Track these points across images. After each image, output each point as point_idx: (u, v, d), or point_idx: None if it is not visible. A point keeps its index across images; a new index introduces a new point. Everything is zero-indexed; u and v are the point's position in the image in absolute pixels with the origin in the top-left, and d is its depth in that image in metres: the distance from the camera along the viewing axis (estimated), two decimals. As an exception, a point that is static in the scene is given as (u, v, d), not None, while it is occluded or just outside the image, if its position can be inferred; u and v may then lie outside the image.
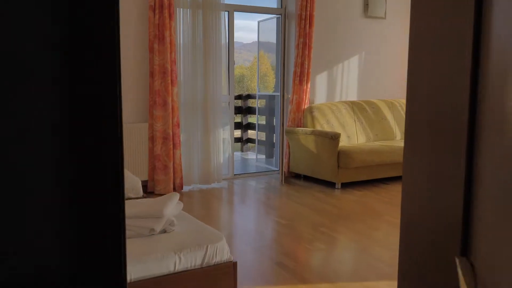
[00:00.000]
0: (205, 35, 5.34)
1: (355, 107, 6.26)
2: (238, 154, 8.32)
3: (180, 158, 5.29)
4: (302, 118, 5.99)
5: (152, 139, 5.16)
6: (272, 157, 7.61)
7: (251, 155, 8.20)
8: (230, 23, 5.79)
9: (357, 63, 6.55)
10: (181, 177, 5.33)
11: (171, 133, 5.13)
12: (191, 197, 5.11)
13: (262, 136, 7.97)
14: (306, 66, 5.92)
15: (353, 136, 6.09)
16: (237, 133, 8.49)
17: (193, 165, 5.47)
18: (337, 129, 5.97)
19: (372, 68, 6.69)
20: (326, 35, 6.27)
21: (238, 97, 8.38)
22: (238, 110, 8.38)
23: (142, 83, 5.15)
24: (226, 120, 5.68)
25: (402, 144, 5.87)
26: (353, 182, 5.65)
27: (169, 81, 5.07)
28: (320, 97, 6.31)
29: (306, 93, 5.99)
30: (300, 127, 5.99)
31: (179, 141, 5.24)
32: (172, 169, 5.18)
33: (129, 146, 5.05)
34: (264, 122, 7.87)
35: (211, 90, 5.43)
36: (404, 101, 6.74)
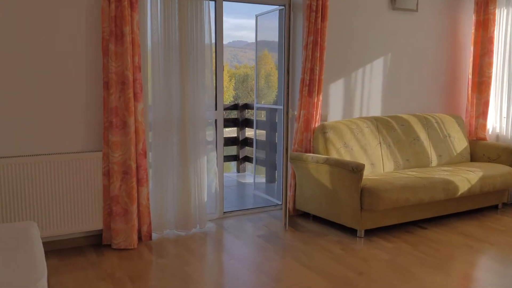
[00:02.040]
0: (182, 32, 3.96)
1: (380, 125, 4.85)
2: (233, 175, 6.94)
3: (148, 198, 3.91)
4: (311, 140, 4.60)
5: (107, 174, 3.79)
6: (274, 181, 6.23)
7: (249, 177, 6.81)
8: (218, 16, 4.41)
9: (381, 67, 5.15)
10: (149, 224, 3.95)
11: (134, 165, 3.76)
12: (161, 252, 3.74)
13: (262, 154, 6.59)
14: (317, 72, 4.53)
15: (378, 163, 4.69)
16: (233, 150, 7.12)
17: (166, 207, 4.09)
18: (357, 154, 4.57)
19: (400, 73, 5.28)
20: (342, 32, 4.87)
21: (234, 107, 7.01)
22: (234, 123, 7.01)
23: (93, 98, 3.78)
24: (212, 144, 4.31)
25: (442, 173, 4.47)
26: (380, 228, 4.25)
27: (131, 94, 3.69)
28: (335, 113, 4.91)
29: (317, 107, 4.60)
30: (310, 152, 4.60)
31: (146, 175, 3.86)
32: (136, 214, 3.80)
33: (75, 183, 3.68)
34: (263, 138, 6.50)
35: (191, 105, 4.06)
36: (443, 116, 5.35)
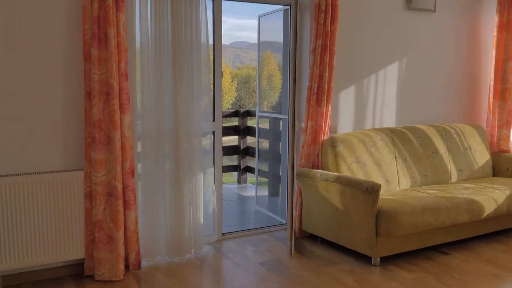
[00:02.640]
0: (175, 34, 3.52)
1: (396, 137, 4.40)
2: (234, 187, 6.49)
3: (136, 223, 3.46)
4: (320, 153, 4.15)
5: (89, 196, 3.34)
6: (278, 195, 5.78)
7: (250, 189, 6.36)
8: (217, 15, 3.96)
9: (396, 73, 4.70)
10: (138, 251, 3.50)
11: (119, 186, 3.31)
12: (150, 283, 3.29)
13: (264, 165, 6.14)
14: (327, 79, 4.08)
15: (394, 180, 4.23)
16: (233, 159, 6.67)
17: (157, 230, 3.64)
18: (371, 170, 4.11)
19: (417, 79, 4.83)
20: (354, 35, 4.42)
21: (235, 114, 6.56)
22: (235, 131, 6.56)
23: (73, 110, 3.34)
24: (209, 159, 3.86)
25: (465, 192, 4.02)
26: (396, 255, 3.80)
27: (116, 106, 3.25)
28: (345, 124, 4.46)
29: (325, 118, 4.15)
30: (318, 167, 4.15)
31: (134, 197, 3.42)
32: (122, 241, 3.36)
33: (53, 207, 3.24)
34: (267, 147, 6.05)
35: (185, 115, 3.62)
36: (463, 126, 4.88)
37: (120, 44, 3.25)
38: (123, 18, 3.25)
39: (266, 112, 5.59)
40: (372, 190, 3.48)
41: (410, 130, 4.53)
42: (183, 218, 3.67)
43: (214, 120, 4.06)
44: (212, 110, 4.01)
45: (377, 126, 4.62)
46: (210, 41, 3.83)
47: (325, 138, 4.19)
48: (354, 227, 3.65)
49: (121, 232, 3.34)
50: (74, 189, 3.29)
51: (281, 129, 5.36)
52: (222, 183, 4.26)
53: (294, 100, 3.69)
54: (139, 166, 3.57)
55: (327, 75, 4.10)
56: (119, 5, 3.21)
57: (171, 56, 3.52)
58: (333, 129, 4.37)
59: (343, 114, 4.44)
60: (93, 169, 3.26)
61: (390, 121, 4.70)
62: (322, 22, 4.03)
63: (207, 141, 3.85)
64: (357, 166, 4.07)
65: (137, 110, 3.49)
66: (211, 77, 3.89)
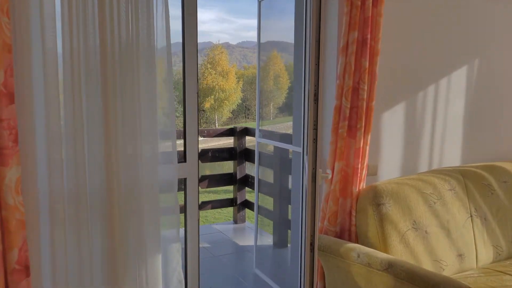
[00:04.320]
0: (105, 34, 2.01)
1: (470, 183, 2.84)
2: (228, 229, 4.96)
3: None
4: (354, 212, 2.61)
5: None
6: (285, 245, 4.27)
7: (249, 233, 4.83)
8: (188, 7, 2.43)
9: (463, 83, 3.15)
10: None
11: (-4, 298, 1.80)
12: None
13: (268, 201, 4.63)
14: (365, 95, 2.56)
15: (469, 252, 2.68)
16: (228, 191, 5.17)
17: None
18: (436, 241, 2.57)
19: (494, 93, 3.27)
20: (404, 26, 2.88)
21: (230, 132, 5.05)
22: (229, 154, 5.04)
23: None
24: (172, 222, 2.34)
25: None
26: None
27: (-14, 152, 1.73)
28: (390, 163, 2.92)
29: (363, 155, 2.62)
30: (350, 235, 2.62)
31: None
32: None
33: None
34: (271, 179, 4.55)
35: (126, 160, 2.12)
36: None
37: (4, 45, 1.74)
38: (4, 5, 1.73)
39: (269, 138, 4.07)
40: (455, 298, 1.94)
41: (489, 170, 2.97)
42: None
43: (185, 161, 2.53)
44: (182, 140, 2.50)
45: (437, 165, 3.07)
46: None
47: (361, 186, 2.66)
48: None
49: None
50: None
51: (291, 156, 3.86)
52: (198, 245, 2.72)
53: (315, 136, 2.14)
54: (46, 252, 2.05)
55: (366, 88, 2.57)
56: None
57: (98, 67, 2.01)
58: (372, 171, 2.84)
59: (387, 148, 2.90)
60: None
61: (455, 157, 3.15)
62: (359, 4, 2.50)
63: (170, 195, 2.33)
64: (415, 236, 2.52)
65: (36, 156, 1.96)
66: (178, 95, 2.40)
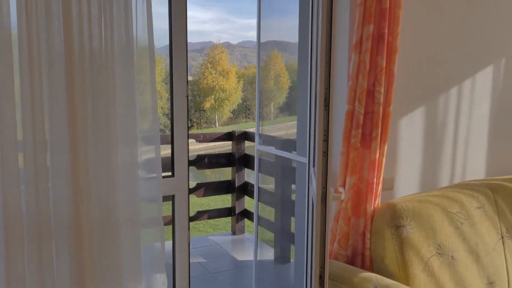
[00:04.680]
0: (71, 34, 1.67)
1: (500, 198, 2.49)
2: (225, 241, 4.62)
3: None
4: (368, 234, 2.26)
5: None
6: (288, 261, 3.94)
7: (249, 246, 4.48)
8: (176, 4, 2.10)
9: (490, 83, 2.80)
10: None
11: None
12: None
13: (269, 212, 4.29)
14: (382, 99, 2.21)
15: (501, 279, 2.33)
16: (226, 200, 4.82)
17: None
18: (464, 268, 2.22)
19: (520, 96, 2.92)
20: (423, 21, 2.53)
21: (227, 136, 4.70)
22: (227, 160, 4.69)
23: None
24: (157, 264, 1.99)
25: None
26: None
27: None
28: (408, 175, 2.57)
29: (378, 168, 2.27)
30: (364, 259, 2.27)
31: None
32: None
33: None
34: (272, 187, 4.21)
35: (97, 174, 1.79)
36: None
37: None
38: None
39: (271, 144, 3.72)
40: None
41: (520, 184, 2.62)
42: None
43: (173, 175, 2.19)
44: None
45: (460, 177, 2.72)
46: (164, 43, 2.04)
47: (376, 204, 2.31)
48: None
49: None
50: None
51: (294, 165, 3.52)
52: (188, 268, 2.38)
53: (326, 148, 1.79)
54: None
55: (382, 90, 2.22)
56: None
57: (63, 71, 1.67)
58: (388, 185, 2.49)
59: (404, 159, 2.55)
60: None
61: (480, 168, 2.79)
62: (375, -7, 2.16)
63: (153, 214, 1.99)
64: (440, 262, 2.17)
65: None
66: (163, 100, 2.04)
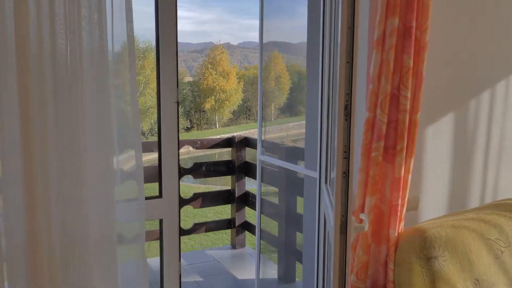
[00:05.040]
0: (23, 35, 1.34)
1: (543, 221, 2.14)
2: (224, 255, 4.27)
3: None
4: (389, 265, 1.91)
5: None
6: (293, 280, 3.60)
7: (250, 262, 4.14)
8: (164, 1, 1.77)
9: (526, 88, 2.45)
10: None
11: None
12: None
13: (272, 225, 3.95)
14: (409, 103, 1.86)
15: (545, 317, 1.98)
16: (225, 211, 4.49)
17: None
18: (506, 306, 1.87)
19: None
20: (454, 13, 2.19)
21: (227, 142, 4.36)
22: (227, 168, 4.35)
23: None
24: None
25: None
26: None
27: None
28: (436, 194, 2.23)
29: (403, 187, 1.92)
30: (387, 295, 1.92)
31: None
32: None
33: None
34: (275, 199, 3.86)
35: (65, 204, 1.44)
36: None
37: None
38: None
39: (274, 152, 3.38)
40: None
41: None
42: None
43: (161, 196, 1.84)
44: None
45: (492, 195, 2.37)
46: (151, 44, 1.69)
47: (400, 229, 1.96)
48: None
49: None
50: None
51: (301, 175, 3.19)
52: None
53: (346, 168, 1.44)
54: None
55: (409, 95, 1.87)
56: None
57: (14, 71, 1.34)
58: (413, 205, 2.14)
59: (430, 174, 2.20)
60: None
61: (516, 183, 2.44)
62: (401, -21, 1.81)
63: (136, 253, 1.65)
64: (478, 300, 1.82)
65: None
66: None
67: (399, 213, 1.94)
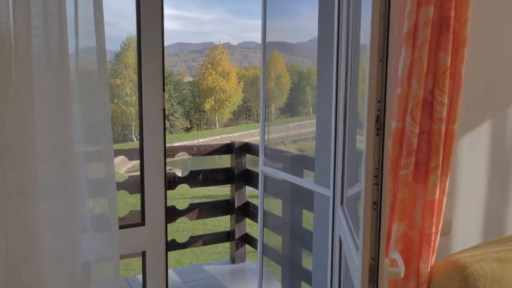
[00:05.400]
0: None
1: None
2: (223, 271, 3.93)
3: None
4: (422, 305, 1.58)
5: None
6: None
7: (251, 278, 3.80)
8: None
9: None
10: None
11: None
12: None
13: (275, 239, 3.61)
14: (445, 110, 1.53)
15: None
16: (224, 222, 4.17)
17: None
18: None
19: None
20: (496, 3, 1.85)
21: (227, 148, 4.03)
22: (226, 176, 4.02)
23: None
24: None
25: None
26: None
27: None
28: (471, 217, 1.89)
29: (437, 212, 1.59)
30: None
31: None
32: None
33: None
34: (279, 211, 3.53)
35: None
36: None
37: None
38: None
39: (278, 161, 3.05)
40: None
41: None
42: None
43: (144, 224, 1.51)
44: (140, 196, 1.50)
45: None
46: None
47: (433, 261, 1.63)
48: None
49: None
50: None
51: (310, 188, 2.85)
52: None
53: (377, 197, 1.11)
54: None
55: (446, 101, 1.54)
56: None
57: None
58: (444, 230, 1.81)
59: (465, 194, 1.87)
60: None
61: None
62: (437, -40, 1.48)
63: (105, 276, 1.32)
64: None
65: None
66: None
67: (432, 242, 1.61)
